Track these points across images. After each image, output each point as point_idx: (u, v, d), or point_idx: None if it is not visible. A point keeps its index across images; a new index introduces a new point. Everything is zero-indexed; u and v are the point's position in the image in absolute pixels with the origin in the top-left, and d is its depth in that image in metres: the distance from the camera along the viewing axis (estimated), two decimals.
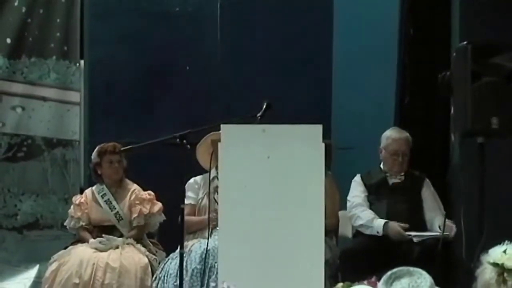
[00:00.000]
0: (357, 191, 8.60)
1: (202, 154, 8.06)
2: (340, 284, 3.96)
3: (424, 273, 2.91)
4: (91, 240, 8.43)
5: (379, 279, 2.92)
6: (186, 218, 7.90)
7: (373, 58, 9.63)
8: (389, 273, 2.91)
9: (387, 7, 9.50)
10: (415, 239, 8.19)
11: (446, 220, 8.27)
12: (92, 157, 8.79)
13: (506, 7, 8.86)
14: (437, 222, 8.40)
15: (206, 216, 7.93)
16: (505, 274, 3.91)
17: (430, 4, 9.22)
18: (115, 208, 8.62)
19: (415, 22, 9.36)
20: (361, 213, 8.48)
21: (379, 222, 8.33)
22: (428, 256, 7.46)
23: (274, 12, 10.01)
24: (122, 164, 8.68)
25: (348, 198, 8.59)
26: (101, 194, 8.68)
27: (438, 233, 8.30)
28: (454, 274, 7.29)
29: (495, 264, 3.93)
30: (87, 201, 8.70)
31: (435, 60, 8.83)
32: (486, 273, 3.96)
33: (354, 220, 8.54)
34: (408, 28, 9.37)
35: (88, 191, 8.81)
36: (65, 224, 8.85)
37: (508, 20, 8.76)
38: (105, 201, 8.64)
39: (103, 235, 8.44)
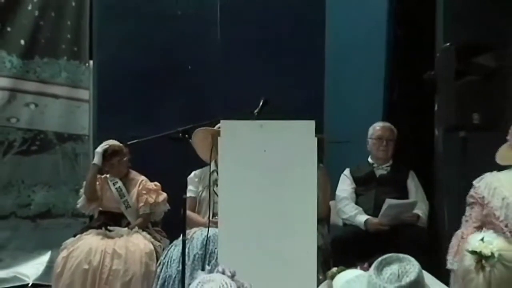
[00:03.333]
0: (344, 185, 8.63)
1: (201, 149, 8.07)
2: (334, 269, 4.00)
3: (412, 259, 2.97)
4: (109, 227, 8.50)
5: (370, 265, 2.98)
6: (189, 214, 7.98)
7: (363, 57, 9.62)
8: (379, 259, 2.96)
9: (376, 8, 9.48)
10: (390, 202, 8.26)
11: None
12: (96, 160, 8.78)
13: (488, 10, 8.88)
14: (420, 211, 8.49)
15: (206, 220, 7.95)
16: (483, 261, 3.97)
17: (416, 6, 9.23)
18: (125, 196, 8.65)
19: (402, 23, 9.36)
20: (344, 208, 8.52)
21: (361, 219, 8.38)
22: (416, 244, 7.50)
23: (270, 13, 10.00)
24: (124, 162, 8.70)
25: (336, 192, 8.63)
26: (113, 182, 8.71)
27: (411, 200, 8.46)
28: (438, 260, 7.34)
29: (473, 252, 3.99)
30: (101, 182, 8.75)
31: (421, 60, 8.84)
32: (465, 260, 4.02)
33: (339, 213, 8.60)
34: (396, 29, 9.39)
35: (102, 178, 8.83)
36: (77, 204, 8.87)
37: (489, 22, 8.77)
38: (116, 188, 8.67)
39: (110, 228, 8.52)
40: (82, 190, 8.75)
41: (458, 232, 6.66)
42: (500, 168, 7.23)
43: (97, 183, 8.70)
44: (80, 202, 8.78)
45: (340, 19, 9.93)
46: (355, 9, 9.75)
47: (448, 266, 6.43)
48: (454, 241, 6.60)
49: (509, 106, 8.49)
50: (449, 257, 6.47)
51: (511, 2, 8.95)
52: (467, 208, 6.76)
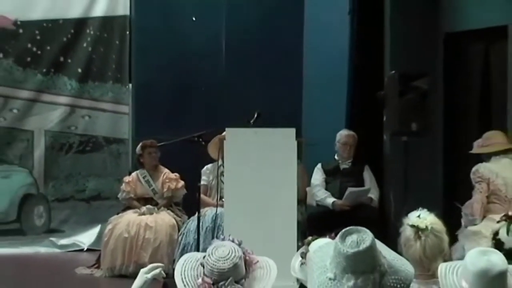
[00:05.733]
0: (317, 175, 8.53)
1: (212, 149, 8.05)
2: (310, 238, 3.96)
3: (367, 231, 2.94)
4: (142, 207, 8.45)
5: (336, 235, 2.96)
6: (202, 197, 7.96)
7: (331, 79, 9.54)
8: (343, 230, 2.94)
9: (341, 41, 9.41)
10: (351, 189, 8.26)
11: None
12: (137, 150, 8.74)
13: (421, 44, 8.88)
14: (373, 195, 8.48)
15: (215, 202, 7.92)
16: (420, 232, 3.94)
17: (370, 41, 9.19)
18: (152, 186, 8.60)
19: (360, 53, 9.32)
20: (317, 192, 8.44)
21: (329, 201, 8.32)
22: (370, 220, 7.46)
23: (261, 47, 9.98)
24: (157, 155, 8.63)
25: (311, 180, 8.57)
26: (143, 175, 8.65)
27: (366, 187, 8.42)
28: (386, 231, 7.32)
29: (412, 226, 3.95)
30: (134, 180, 8.70)
31: (374, 82, 8.80)
32: (406, 231, 3.98)
33: (313, 197, 8.55)
34: (355, 58, 9.33)
35: (134, 174, 8.74)
36: (118, 196, 8.83)
37: (422, 54, 8.79)
38: (145, 180, 8.63)
39: (146, 205, 8.48)
40: (123, 186, 8.70)
41: (476, 198, 6.65)
42: (430, 165, 7.28)
43: (130, 184, 8.66)
44: (120, 195, 8.74)
45: (315, 49, 9.88)
46: (326, 41, 9.68)
47: (474, 222, 6.41)
48: (476, 206, 6.57)
49: (437, 118, 8.51)
50: (475, 217, 6.50)
51: (437, 39, 8.97)
52: (476, 185, 6.73)
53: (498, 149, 6.84)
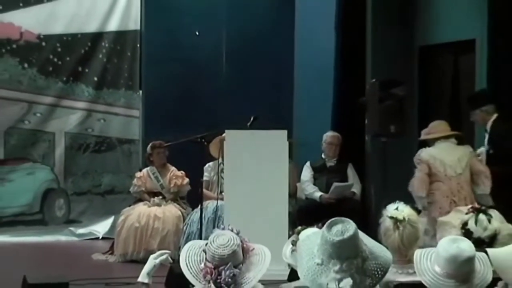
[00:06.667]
0: (306, 172, 8.52)
1: (213, 149, 8.04)
2: (299, 227, 3.97)
3: (351, 221, 2.94)
4: (152, 199, 8.44)
5: (323, 225, 2.96)
6: (204, 191, 7.97)
7: (319, 86, 9.58)
8: (329, 221, 2.94)
9: (327, 51, 9.43)
10: (336, 184, 8.28)
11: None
12: (147, 150, 8.70)
13: (396, 55, 8.90)
14: (356, 190, 8.48)
15: (216, 196, 7.90)
16: (398, 223, 3.94)
17: (353, 52, 9.19)
18: (160, 181, 8.56)
19: (344, 65, 9.32)
20: (306, 187, 8.44)
21: (316, 195, 8.32)
22: (353, 212, 7.45)
23: (257, 58, 9.97)
24: (165, 154, 8.60)
25: (301, 176, 8.55)
26: (152, 172, 8.61)
27: (350, 183, 8.41)
28: (367, 222, 7.31)
29: (391, 217, 3.96)
30: (144, 176, 8.67)
31: (357, 89, 8.79)
32: (385, 222, 3.98)
33: (303, 191, 8.53)
34: (340, 67, 9.34)
35: (144, 170, 8.70)
36: (130, 190, 8.79)
37: (398, 65, 8.81)
38: (155, 177, 8.59)
39: (155, 198, 8.47)
40: (135, 180, 8.69)
41: (416, 177, 6.98)
42: (406, 163, 7.31)
43: (140, 179, 8.63)
44: (132, 189, 8.72)
45: (304, 60, 9.90)
46: (314, 53, 9.69)
47: (419, 195, 6.88)
48: (416, 183, 6.95)
49: (412, 121, 8.51)
50: (419, 193, 6.92)
51: (412, 51, 8.97)
52: (417, 166, 7.02)
53: (439, 135, 7.08)
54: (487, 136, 7.27)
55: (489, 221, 3.69)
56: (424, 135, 7.28)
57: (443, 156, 6.99)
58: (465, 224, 3.55)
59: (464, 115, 8.02)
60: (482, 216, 3.69)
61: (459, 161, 6.98)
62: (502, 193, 6.84)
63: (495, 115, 7.21)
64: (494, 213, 3.72)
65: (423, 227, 4.10)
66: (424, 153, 7.03)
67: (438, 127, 7.21)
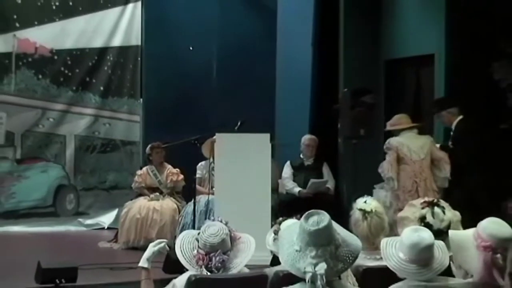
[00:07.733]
0: (286, 170, 8.52)
1: (205, 150, 8.02)
2: (281, 218, 3.96)
3: (325, 213, 2.93)
4: (151, 195, 8.41)
5: (301, 216, 2.96)
6: (197, 187, 7.95)
7: (298, 93, 9.56)
8: (306, 213, 2.94)
9: (304, 64, 9.45)
10: (313, 180, 8.26)
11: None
12: (146, 150, 8.70)
13: (368, 64, 8.92)
14: (330, 186, 8.47)
15: (207, 191, 7.87)
16: (366, 215, 3.94)
17: (328, 64, 9.20)
18: (158, 178, 8.52)
19: (320, 75, 9.32)
20: (287, 183, 8.43)
21: (295, 190, 8.31)
22: (327, 205, 7.44)
23: (243, 66, 9.92)
24: (162, 154, 8.57)
25: (282, 174, 8.53)
26: (151, 170, 8.58)
27: (325, 179, 8.40)
28: (340, 214, 7.31)
29: (360, 209, 3.95)
30: (144, 174, 8.63)
31: (331, 97, 8.79)
32: (355, 213, 3.98)
33: (284, 187, 8.51)
34: (317, 79, 9.34)
35: (144, 168, 8.67)
36: (131, 186, 8.78)
37: (368, 74, 8.82)
38: (153, 174, 8.57)
39: (154, 193, 8.44)
40: (136, 177, 8.65)
41: (387, 160, 7.11)
42: (374, 162, 7.32)
43: (141, 176, 8.59)
44: (133, 185, 8.69)
45: (285, 71, 9.90)
46: (293, 66, 9.68)
47: (388, 176, 7.01)
48: (386, 165, 7.09)
49: (380, 126, 8.50)
50: (388, 174, 7.03)
51: (379, 64, 8.98)
52: (387, 152, 7.15)
53: (404, 126, 7.24)
54: (452, 133, 7.33)
55: (443, 212, 3.67)
56: (390, 126, 7.39)
57: (409, 143, 7.13)
58: (423, 218, 3.55)
59: (424, 119, 8.06)
60: (437, 209, 3.67)
61: (422, 148, 7.13)
62: (458, 178, 7.05)
63: (460, 117, 7.26)
64: (444, 203, 3.72)
65: (389, 218, 4.09)
66: (393, 141, 7.16)
67: (402, 119, 7.35)
